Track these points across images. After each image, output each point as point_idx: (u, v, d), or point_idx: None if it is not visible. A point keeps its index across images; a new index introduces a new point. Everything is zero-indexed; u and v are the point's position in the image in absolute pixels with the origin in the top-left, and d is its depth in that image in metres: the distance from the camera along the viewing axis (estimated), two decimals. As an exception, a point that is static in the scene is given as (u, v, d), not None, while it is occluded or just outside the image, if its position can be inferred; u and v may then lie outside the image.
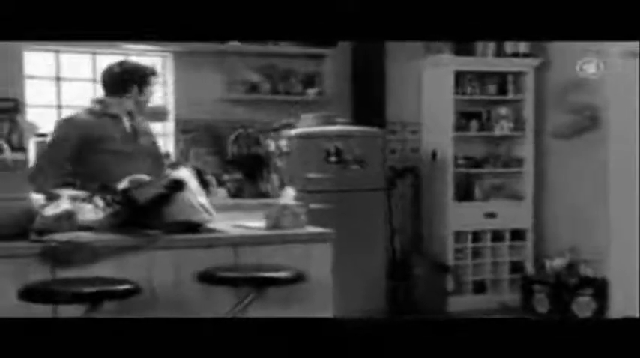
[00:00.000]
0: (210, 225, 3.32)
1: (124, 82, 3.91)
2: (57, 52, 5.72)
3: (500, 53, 6.28)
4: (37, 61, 5.61)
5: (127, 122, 3.93)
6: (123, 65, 4.02)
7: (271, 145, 5.66)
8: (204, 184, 3.44)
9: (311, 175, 5.51)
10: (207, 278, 3.01)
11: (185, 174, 3.29)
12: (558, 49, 6.08)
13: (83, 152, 3.84)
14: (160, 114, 5.63)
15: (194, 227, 3.26)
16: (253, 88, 6.00)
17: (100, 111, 3.92)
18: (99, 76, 5.20)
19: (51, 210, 2.97)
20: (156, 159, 4.06)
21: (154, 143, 4.19)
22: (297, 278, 3.07)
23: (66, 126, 3.97)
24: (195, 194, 3.28)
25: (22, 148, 4.81)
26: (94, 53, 5.78)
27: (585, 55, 5.58)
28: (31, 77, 5.50)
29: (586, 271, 5.83)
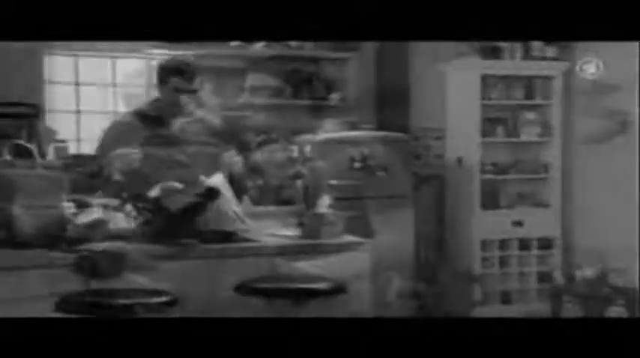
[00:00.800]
0: (245, 234, 3.22)
1: (163, 70, 3.81)
2: (76, 56, 5.62)
3: (527, 57, 6.14)
4: (57, 67, 5.51)
5: (171, 125, 3.81)
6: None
7: (295, 152, 5.55)
8: (237, 191, 3.31)
9: (335, 182, 5.38)
10: (244, 289, 2.91)
11: (219, 181, 3.18)
12: (588, 53, 5.94)
13: None
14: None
15: (228, 236, 3.16)
16: (276, 92, 5.88)
17: (142, 113, 3.81)
18: (118, 81, 5.07)
19: (83, 219, 2.87)
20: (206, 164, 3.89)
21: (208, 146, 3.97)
22: (337, 290, 2.96)
23: (108, 130, 3.87)
24: (229, 202, 3.18)
25: (41, 154, 4.73)
26: (114, 57, 5.68)
27: (585, 55, 5.49)
28: (51, 82, 5.41)
29: (616, 280, 5.68)
